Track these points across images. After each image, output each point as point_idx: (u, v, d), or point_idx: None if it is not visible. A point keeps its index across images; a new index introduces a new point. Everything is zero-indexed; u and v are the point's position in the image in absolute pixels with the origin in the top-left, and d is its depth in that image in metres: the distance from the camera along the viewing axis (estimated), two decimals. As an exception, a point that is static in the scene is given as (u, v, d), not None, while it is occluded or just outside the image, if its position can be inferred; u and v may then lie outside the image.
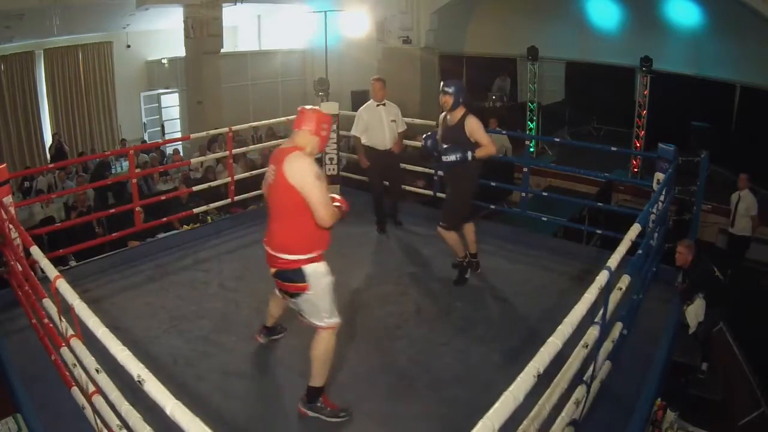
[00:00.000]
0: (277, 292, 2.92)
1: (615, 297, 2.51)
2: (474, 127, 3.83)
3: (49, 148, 11.26)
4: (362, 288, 4.17)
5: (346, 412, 2.77)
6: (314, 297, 2.65)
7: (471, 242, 4.30)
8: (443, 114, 4.03)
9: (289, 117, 6.43)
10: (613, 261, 2.34)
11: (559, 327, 1.83)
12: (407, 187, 5.74)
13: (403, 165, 5.47)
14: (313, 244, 2.63)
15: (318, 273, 2.64)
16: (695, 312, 4.44)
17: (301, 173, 2.51)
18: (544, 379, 1.62)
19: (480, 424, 1.35)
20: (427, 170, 5.81)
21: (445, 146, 3.94)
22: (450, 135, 3.93)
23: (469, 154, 3.81)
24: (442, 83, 3.93)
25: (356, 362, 3.21)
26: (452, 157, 3.83)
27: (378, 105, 4.93)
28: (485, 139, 3.84)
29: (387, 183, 5.25)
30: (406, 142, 5.45)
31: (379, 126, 4.90)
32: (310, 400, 2.75)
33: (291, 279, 2.64)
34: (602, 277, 2.20)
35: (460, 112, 3.88)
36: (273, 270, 2.71)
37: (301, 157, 2.56)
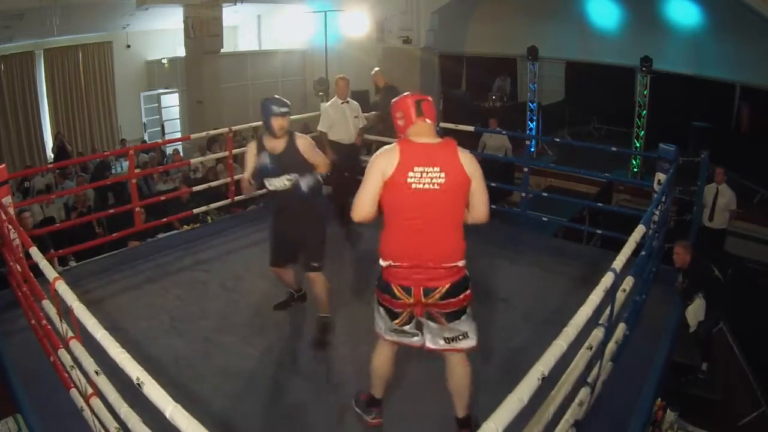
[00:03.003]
0: (421, 328, 2.44)
1: (619, 299, 2.49)
2: (308, 144, 3.26)
3: (52, 148, 11.26)
4: (361, 288, 4.16)
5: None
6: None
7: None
8: (261, 141, 3.24)
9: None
10: (619, 263, 2.31)
11: (565, 329, 1.81)
12: None
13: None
14: None
15: None
16: (695, 312, 4.45)
17: (476, 163, 2.26)
18: (548, 381, 1.61)
19: (484, 426, 1.34)
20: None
21: (290, 176, 3.18)
22: (285, 161, 3.19)
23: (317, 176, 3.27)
24: (275, 103, 3.23)
25: (356, 363, 3.20)
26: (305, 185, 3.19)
27: (342, 102, 5.10)
28: (320, 157, 3.31)
29: (347, 174, 5.15)
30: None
31: (343, 122, 5.08)
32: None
33: (464, 289, 2.34)
34: (608, 279, 2.18)
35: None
36: (440, 290, 2.27)
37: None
